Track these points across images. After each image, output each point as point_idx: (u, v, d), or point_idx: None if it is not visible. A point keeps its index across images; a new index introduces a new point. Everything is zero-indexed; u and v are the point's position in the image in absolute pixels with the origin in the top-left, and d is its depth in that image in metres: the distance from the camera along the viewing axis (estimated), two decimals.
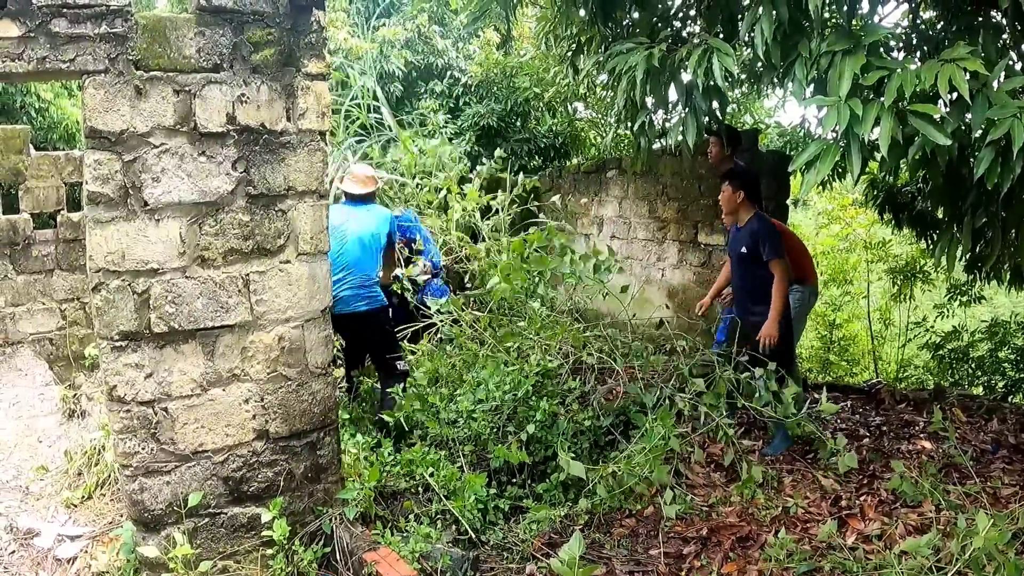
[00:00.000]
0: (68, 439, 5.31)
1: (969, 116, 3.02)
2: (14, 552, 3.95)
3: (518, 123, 9.58)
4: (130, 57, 2.83)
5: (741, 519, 3.95)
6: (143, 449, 3.07)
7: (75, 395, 5.76)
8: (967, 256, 5.12)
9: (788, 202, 6.65)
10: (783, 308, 4.66)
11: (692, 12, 4.47)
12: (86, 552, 3.89)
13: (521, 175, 7.73)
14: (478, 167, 8.45)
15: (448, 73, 9.67)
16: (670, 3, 4.54)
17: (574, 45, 4.84)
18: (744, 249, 4.76)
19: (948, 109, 3.08)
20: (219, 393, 3.20)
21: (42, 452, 5.17)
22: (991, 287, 7.48)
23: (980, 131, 2.98)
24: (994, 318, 7.73)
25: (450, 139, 9.00)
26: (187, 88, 2.95)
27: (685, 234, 7.30)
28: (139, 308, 2.97)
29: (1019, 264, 5.12)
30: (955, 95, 2.98)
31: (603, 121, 9.62)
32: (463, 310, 5.68)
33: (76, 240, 6.14)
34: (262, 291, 3.23)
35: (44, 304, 6.12)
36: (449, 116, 9.34)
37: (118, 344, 2.96)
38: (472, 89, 9.49)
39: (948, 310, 8.14)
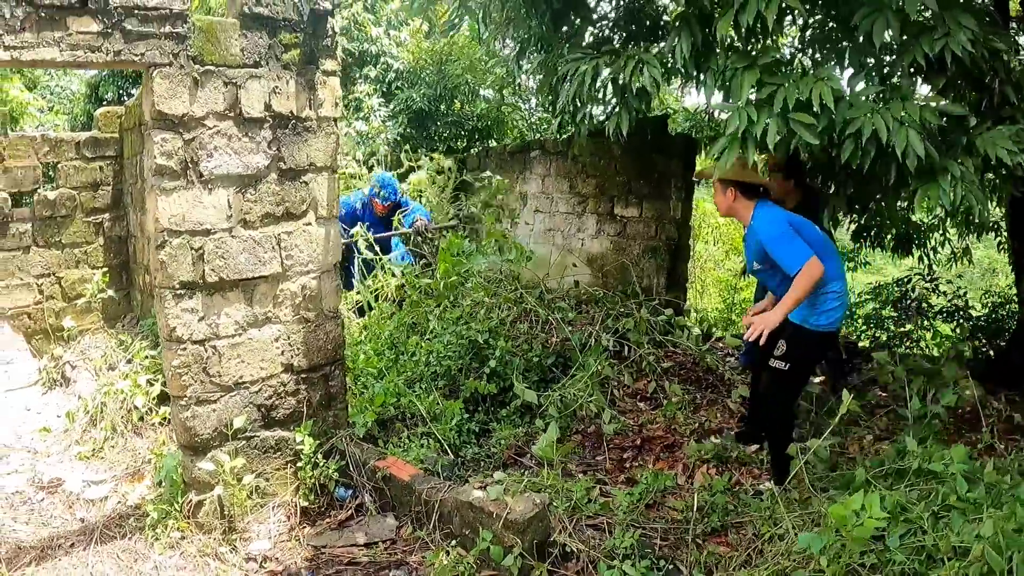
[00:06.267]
0: (56, 406, 5.65)
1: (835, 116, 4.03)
2: (43, 500, 4.34)
3: (443, 107, 10.32)
4: (189, 53, 3.46)
5: (667, 433, 4.93)
6: (196, 381, 3.72)
7: (55, 365, 6.10)
8: (852, 227, 6.31)
9: (692, 179, 7.69)
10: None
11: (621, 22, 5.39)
12: (115, 492, 4.39)
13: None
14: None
15: (381, 59, 10.28)
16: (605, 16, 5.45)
17: (519, 46, 5.73)
18: None
19: (820, 111, 4.07)
20: (256, 333, 3.88)
21: (31, 419, 5.48)
22: (881, 258, 8.52)
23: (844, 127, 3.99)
24: (879, 283, 8.90)
25: (384, 121, 9.66)
26: (234, 80, 3.61)
27: (603, 207, 8.24)
28: (195, 262, 3.62)
29: (896, 233, 6.37)
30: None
31: (526, 108, 10.48)
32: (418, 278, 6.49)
33: (52, 218, 6.41)
34: (290, 248, 3.93)
35: (22, 280, 6.40)
36: (383, 100, 9.98)
37: (178, 292, 3.60)
38: (403, 75, 10.15)
39: None
